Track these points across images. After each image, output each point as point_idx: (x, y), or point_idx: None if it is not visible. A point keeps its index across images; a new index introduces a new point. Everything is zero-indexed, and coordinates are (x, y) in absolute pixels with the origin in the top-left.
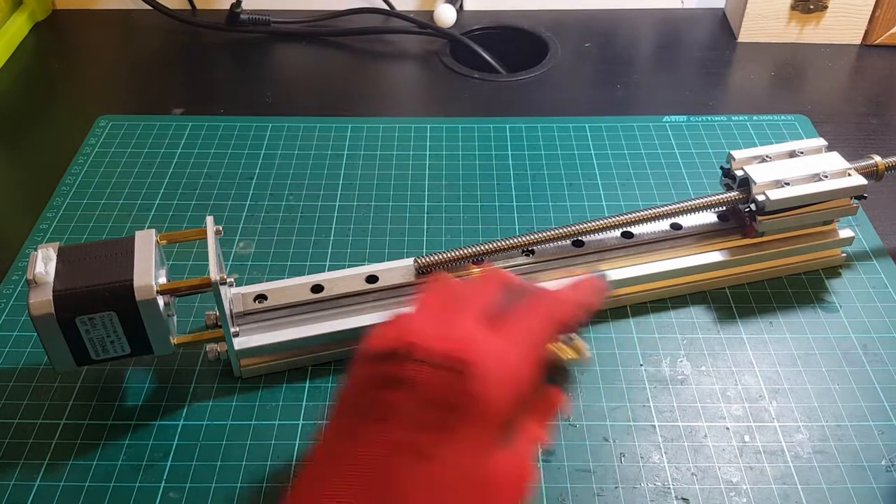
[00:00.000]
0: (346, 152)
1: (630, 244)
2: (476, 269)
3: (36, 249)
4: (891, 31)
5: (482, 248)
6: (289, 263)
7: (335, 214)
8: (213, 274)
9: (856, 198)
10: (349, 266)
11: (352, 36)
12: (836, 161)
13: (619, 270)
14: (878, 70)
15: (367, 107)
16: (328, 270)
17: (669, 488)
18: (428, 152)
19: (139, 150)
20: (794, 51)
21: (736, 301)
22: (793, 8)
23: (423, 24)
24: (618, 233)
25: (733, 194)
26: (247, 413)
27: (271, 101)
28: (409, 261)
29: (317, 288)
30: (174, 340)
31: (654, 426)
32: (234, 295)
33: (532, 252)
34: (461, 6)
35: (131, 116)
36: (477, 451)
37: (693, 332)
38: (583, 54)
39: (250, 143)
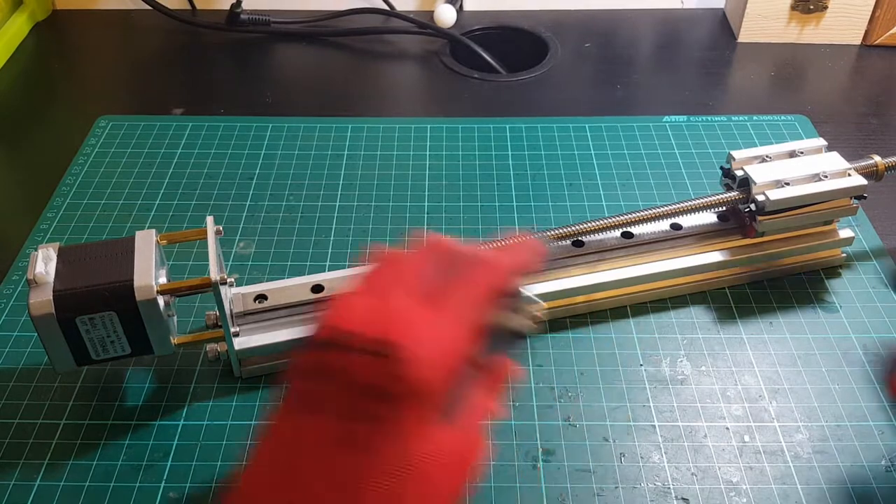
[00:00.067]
0: (346, 152)
1: (630, 244)
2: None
3: (36, 249)
4: (891, 31)
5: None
6: (289, 263)
7: (335, 214)
8: (214, 274)
9: (856, 198)
10: (349, 266)
11: (352, 36)
12: (836, 161)
13: (619, 270)
14: (878, 70)
15: (367, 107)
16: (328, 270)
17: (669, 488)
18: (428, 152)
19: (139, 150)
20: (794, 51)
21: (736, 301)
22: (793, 8)
23: (423, 24)
24: (618, 233)
25: (733, 194)
26: (247, 413)
27: (271, 101)
28: None
29: (317, 288)
30: (174, 340)
31: (654, 426)
32: (234, 295)
33: None
34: (461, 6)
35: (131, 116)
36: (414, 436)
37: (693, 332)
38: (583, 54)
39: (250, 143)
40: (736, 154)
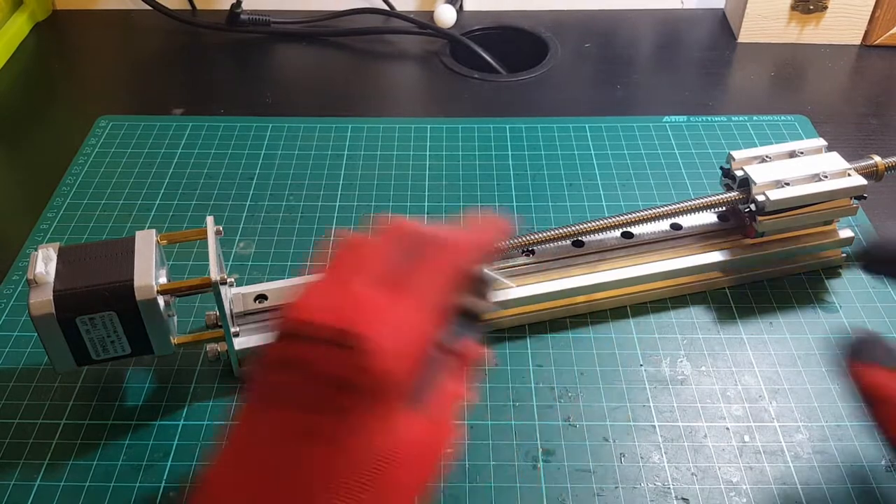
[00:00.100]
0: (346, 152)
1: (630, 244)
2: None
3: (36, 249)
4: (891, 32)
5: None
6: (289, 263)
7: (335, 214)
8: (214, 274)
9: (856, 198)
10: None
11: (352, 36)
12: (835, 161)
13: (619, 270)
14: (878, 70)
15: (367, 107)
16: None
17: (669, 488)
18: (428, 152)
19: (139, 150)
20: (794, 51)
21: (736, 301)
22: (793, 8)
23: (423, 24)
24: (618, 233)
25: (733, 194)
26: None
27: (271, 102)
28: None
29: None
30: (174, 340)
31: (654, 426)
32: (234, 295)
33: (532, 252)
34: (461, 6)
35: (131, 116)
36: (381, 426)
37: (693, 333)
38: (583, 54)
39: (250, 144)
40: (736, 154)
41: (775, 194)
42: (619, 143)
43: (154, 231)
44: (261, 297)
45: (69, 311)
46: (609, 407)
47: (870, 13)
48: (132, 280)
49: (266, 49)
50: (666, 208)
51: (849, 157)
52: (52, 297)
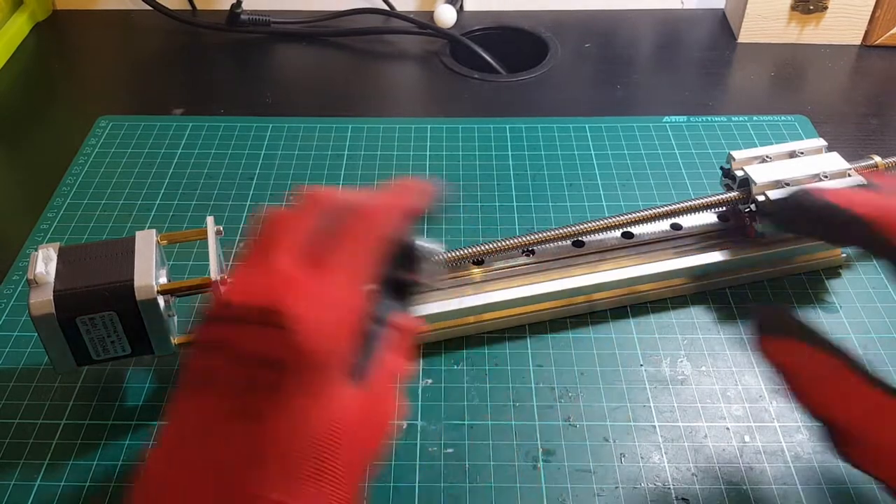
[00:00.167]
0: (346, 152)
1: (630, 244)
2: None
3: (36, 249)
4: (891, 32)
5: (482, 248)
6: None
7: None
8: (214, 274)
9: None
10: None
11: (352, 36)
12: (836, 161)
13: (619, 270)
14: (878, 70)
15: (367, 107)
16: None
17: (669, 488)
18: (428, 152)
19: (139, 150)
20: (794, 51)
21: (736, 301)
22: (793, 8)
23: (423, 24)
24: (618, 233)
25: (733, 194)
26: None
27: (271, 102)
28: None
29: None
30: (175, 340)
31: (654, 426)
32: None
33: (532, 252)
34: (461, 6)
35: (131, 117)
36: (312, 404)
37: (693, 333)
38: (583, 54)
39: (250, 144)
40: (736, 154)
41: (775, 194)
42: (619, 143)
43: (154, 231)
44: None
45: (69, 311)
46: (609, 407)
47: (870, 13)
48: (132, 280)
49: (266, 49)
50: (666, 208)
51: (849, 157)
52: (52, 297)
